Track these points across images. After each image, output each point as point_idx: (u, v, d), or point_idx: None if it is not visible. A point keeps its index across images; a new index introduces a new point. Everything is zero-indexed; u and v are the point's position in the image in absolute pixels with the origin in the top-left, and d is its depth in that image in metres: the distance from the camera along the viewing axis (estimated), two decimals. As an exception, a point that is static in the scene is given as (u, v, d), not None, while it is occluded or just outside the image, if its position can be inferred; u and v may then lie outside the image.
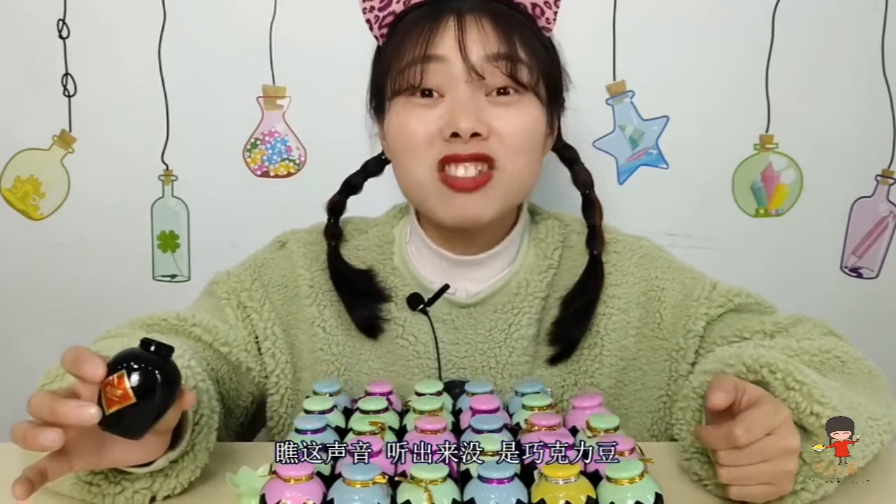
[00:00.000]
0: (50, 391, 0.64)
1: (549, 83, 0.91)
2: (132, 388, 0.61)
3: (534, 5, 0.90)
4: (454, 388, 0.89)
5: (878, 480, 0.76)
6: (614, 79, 1.31)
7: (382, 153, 1.00)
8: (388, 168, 0.99)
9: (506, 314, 0.94)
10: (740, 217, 1.35)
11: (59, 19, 1.30)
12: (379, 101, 0.93)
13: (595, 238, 0.97)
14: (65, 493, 0.74)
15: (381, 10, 0.90)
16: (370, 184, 1.03)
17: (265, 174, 1.35)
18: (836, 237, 1.36)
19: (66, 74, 1.32)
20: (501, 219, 0.93)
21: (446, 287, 0.94)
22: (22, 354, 1.39)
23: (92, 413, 0.60)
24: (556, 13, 0.91)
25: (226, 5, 1.31)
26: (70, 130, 1.33)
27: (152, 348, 0.63)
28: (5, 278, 1.37)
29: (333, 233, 1.00)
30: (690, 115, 1.32)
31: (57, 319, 1.38)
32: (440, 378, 0.93)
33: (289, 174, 1.35)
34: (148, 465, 0.71)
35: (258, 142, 1.34)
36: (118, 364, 0.62)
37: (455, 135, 0.85)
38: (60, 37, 1.31)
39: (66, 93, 1.32)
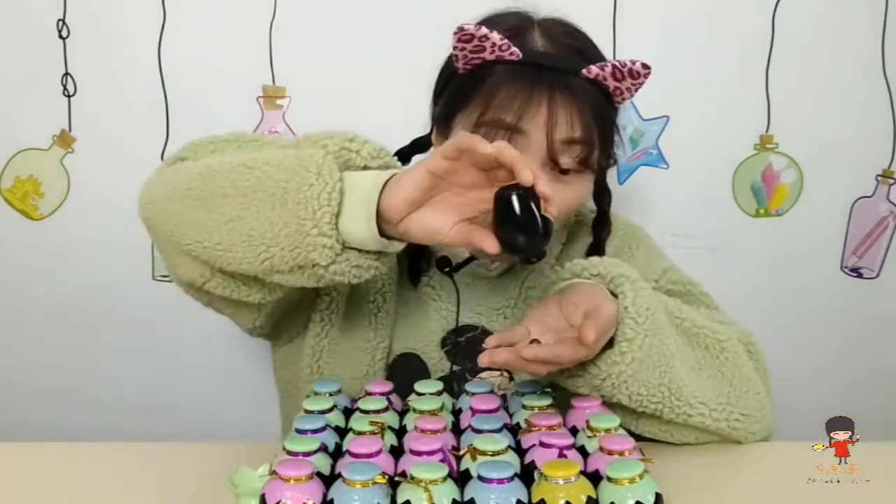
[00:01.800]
0: None
1: (606, 155, 0.93)
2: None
3: (616, 88, 0.89)
4: (468, 332, 0.97)
5: (878, 480, 0.76)
6: (614, 79, 1.31)
7: (406, 147, 1.03)
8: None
9: (523, 274, 1.01)
10: (740, 217, 1.35)
11: (59, 19, 1.30)
12: (446, 119, 0.93)
13: (603, 223, 1.02)
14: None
15: (472, 52, 0.88)
16: None
17: (265, 174, 1.35)
18: (836, 237, 1.36)
19: (66, 74, 1.32)
20: None
21: (472, 258, 0.99)
22: (22, 354, 1.39)
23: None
24: (633, 95, 0.91)
25: (226, 5, 1.31)
26: (70, 130, 1.33)
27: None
28: (5, 278, 1.37)
29: None
30: (690, 115, 1.32)
31: (57, 319, 1.38)
32: (457, 322, 0.98)
33: (289, 174, 1.35)
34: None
35: (258, 142, 1.34)
36: None
37: None
38: (60, 37, 1.31)
39: (66, 93, 1.32)
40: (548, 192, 0.69)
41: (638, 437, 0.85)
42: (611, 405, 0.83)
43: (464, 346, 0.98)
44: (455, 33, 0.86)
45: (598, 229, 1.02)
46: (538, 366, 0.75)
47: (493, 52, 0.87)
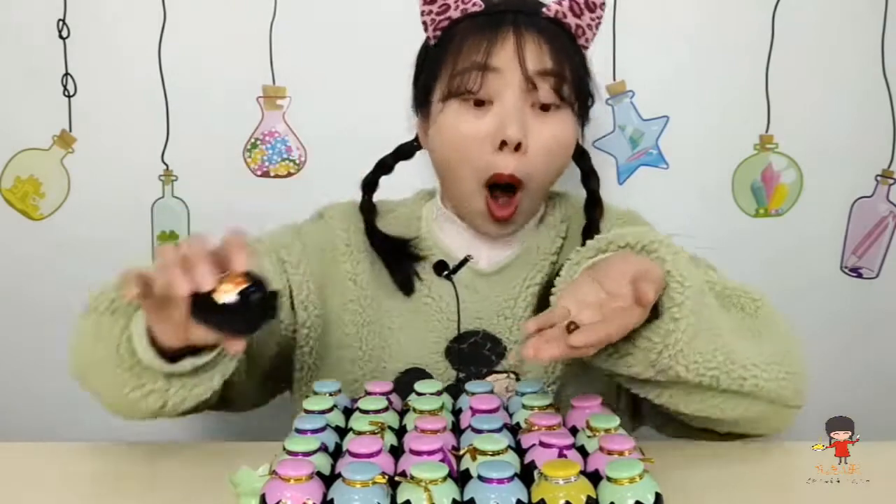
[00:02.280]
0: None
1: (584, 99, 0.97)
2: (243, 292, 0.67)
3: (577, 26, 0.95)
4: (470, 338, 0.97)
5: (878, 480, 0.76)
6: (614, 79, 1.32)
7: (415, 140, 1.05)
8: (417, 154, 1.06)
9: (522, 271, 1.00)
10: (740, 217, 1.35)
11: (59, 19, 1.30)
12: (425, 96, 0.98)
13: (594, 204, 1.03)
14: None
15: (438, 14, 0.95)
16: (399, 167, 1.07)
17: (265, 174, 1.35)
18: (836, 237, 1.36)
19: (66, 74, 1.32)
20: None
21: (469, 258, 1.00)
22: (22, 354, 1.39)
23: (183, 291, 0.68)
24: (594, 34, 0.98)
25: (226, 5, 1.31)
26: (70, 130, 1.33)
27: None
28: (5, 278, 1.37)
29: (369, 208, 1.05)
30: (690, 115, 1.32)
31: (57, 319, 1.38)
32: (458, 330, 0.98)
33: (289, 174, 1.35)
34: (173, 362, 0.77)
35: (258, 142, 1.34)
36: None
37: (503, 144, 0.91)
38: (60, 37, 1.31)
39: (66, 93, 1.32)
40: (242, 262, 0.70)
41: (680, 427, 0.87)
42: (660, 384, 0.79)
43: (467, 352, 0.97)
44: None
45: (590, 210, 1.02)
46: (587, 350, 0.72)
47: (457, 7, 0.94)
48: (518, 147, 0.91)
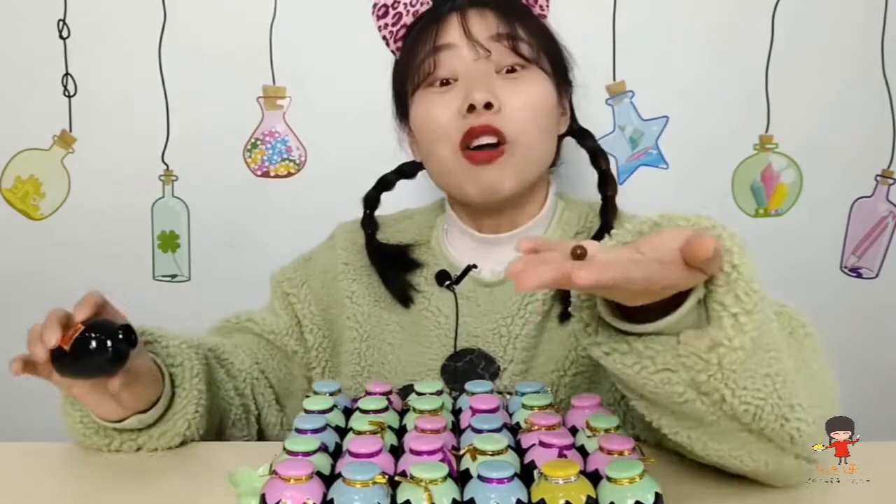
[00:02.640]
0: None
1: (552, 58, 0.97)
2: (77, 338, 0.77)
3: None
4: (466, 356, 0.95)
5: (878, 480, 0.76)
6: (614, 79, 1.32)
7: (394, 170, 1.08)
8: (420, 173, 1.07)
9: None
10: (740, 217, 1.35)
11: (59, 19, 1.30)
12: (402, 107, 1.00)
13: (607, 209, 1.00)
14: (69, 438, 0.89)
15: (393, 25, 0.99)
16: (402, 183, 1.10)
17: (265, 174, 1.35)
18: (836, 237, 1.36)
19: (66, 74, 1.32)
20: (526, 198, 0.98)
21: (472, 266, 0.99)
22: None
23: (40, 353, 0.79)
24: (548, 1, 0.99)
25: (226, 5, 1.31)
26: (70, 130, 1.34)
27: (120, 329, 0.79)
28: (5, 278, 1.37)
29: (369, 223, 1.06)
30: (690, 115, 1.32)
31: (57, 319, 1.38)
32: (455, 348, 0.97)
33: (289, 174, 1.35)
34: (122, 420, 0.84)
35: (258, 142, 1.34)
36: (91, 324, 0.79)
37: (471, 109, 0.90)
38: (60, 37, 1.31)
39: (66, 93, 1.32)
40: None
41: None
42: (678, 418, 0.66)
43: (462, 371, 0.96)
44: (372, 14, 0.98)
45: (605, 216, 1.00)
46: (596, 288, 0.56)
47: (408, 11, 0.97)
48: (489, 107, 0.90)
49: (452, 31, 0.94)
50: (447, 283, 0.99)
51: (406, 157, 1.07)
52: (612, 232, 0.67)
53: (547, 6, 1.00)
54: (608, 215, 1.00)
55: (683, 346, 0.60)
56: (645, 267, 0.54)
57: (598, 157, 1.04)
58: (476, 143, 0.91)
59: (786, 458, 0.68)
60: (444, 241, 1.03)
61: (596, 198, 1.03)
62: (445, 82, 0.94)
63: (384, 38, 1.00)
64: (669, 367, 0.60)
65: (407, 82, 0.97)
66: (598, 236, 0.97)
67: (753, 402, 0.62)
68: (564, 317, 0.95)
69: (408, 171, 1.08)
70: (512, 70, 0.94)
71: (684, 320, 0.60)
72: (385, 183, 1.08)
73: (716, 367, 0.59)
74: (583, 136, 1.05)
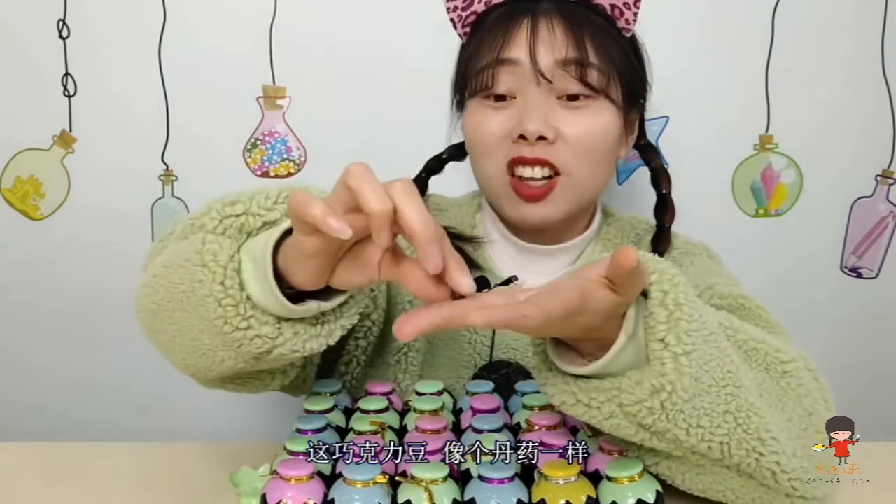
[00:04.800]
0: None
1: (625, 85, 0.91)
2: None
3: (612, 6, 0.90)
4: (501, 370, 0.91)
5: (878, 480, 0.76)
6: (614, 79, 1.31)
7: (443, 152, 1.03)
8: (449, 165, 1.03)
9: None
10: (740, 217, 1.35)
11: (59, 19, 1.30)
12: (461, 97, 0.95)
13: (661, 238, 0.97)
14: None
15: (463, 9, 0.92)
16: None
17: (265, 174, 1.35)
18: (836, 237, 1.36)
19: (66, 74, 1.32)
20: (573, 217, 0.94)
21: (514, 278, 0.90)
22: (22, 354, 1.39)
23: None
24: (636, 14, 0.91)
25: (226, 5, 1.31)
26: (70, 130, 1.33)
27: None
28: (5, 278, 1.37)
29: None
30: (690, 115, 1.32)
31: (57, 320, 1.38)
32: (490, 357, 0.92)
33: (289, 174, 1.35)
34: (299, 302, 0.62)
35: (258, 142, 1.34)
36: None
37: (522, 137, 0.86)
38: (60, 37, 1.31)
39: (66, 93, 1.32)
40: (402, 200, 0.54)
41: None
42: (657, 452, 0.65)
43: (496, 384, 0.86)
44: None
45: (655, 244, 0.97)
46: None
47: (480, 0, 0.90)
48: (542, 138, 0.86)
49: (519, 46, 0.86)
50: (486, 290, 0.95)
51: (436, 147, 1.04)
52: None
53: (634, 20, 0.91)
54: (661, 246, 0.95)
55: (626, 395, 0.60)
56: (536, 303, 0.53)
57: (660, 178, 1.00)
58: (524, 172, 0.87)
59: (777, 499, 0.68)
60: (485, 245, 0.98)
61: (633, 210, 1.01)
62: (501, 97, 0.89)
63: (452, 20, 0.93)
64: (615, 415, 0.61)
65: (466, 83, 0.91)
66: (654, 242, 0.95)
67: (716, 438, 0.62)
68: None
69: (434, 166, 1.03)
70: (575, 97, 0.87)
71: (622, 357, 0.60)
72: (436, 166, 1.02)
73: (660, 411, 0.59)
74: (647, 152, 1.01)
